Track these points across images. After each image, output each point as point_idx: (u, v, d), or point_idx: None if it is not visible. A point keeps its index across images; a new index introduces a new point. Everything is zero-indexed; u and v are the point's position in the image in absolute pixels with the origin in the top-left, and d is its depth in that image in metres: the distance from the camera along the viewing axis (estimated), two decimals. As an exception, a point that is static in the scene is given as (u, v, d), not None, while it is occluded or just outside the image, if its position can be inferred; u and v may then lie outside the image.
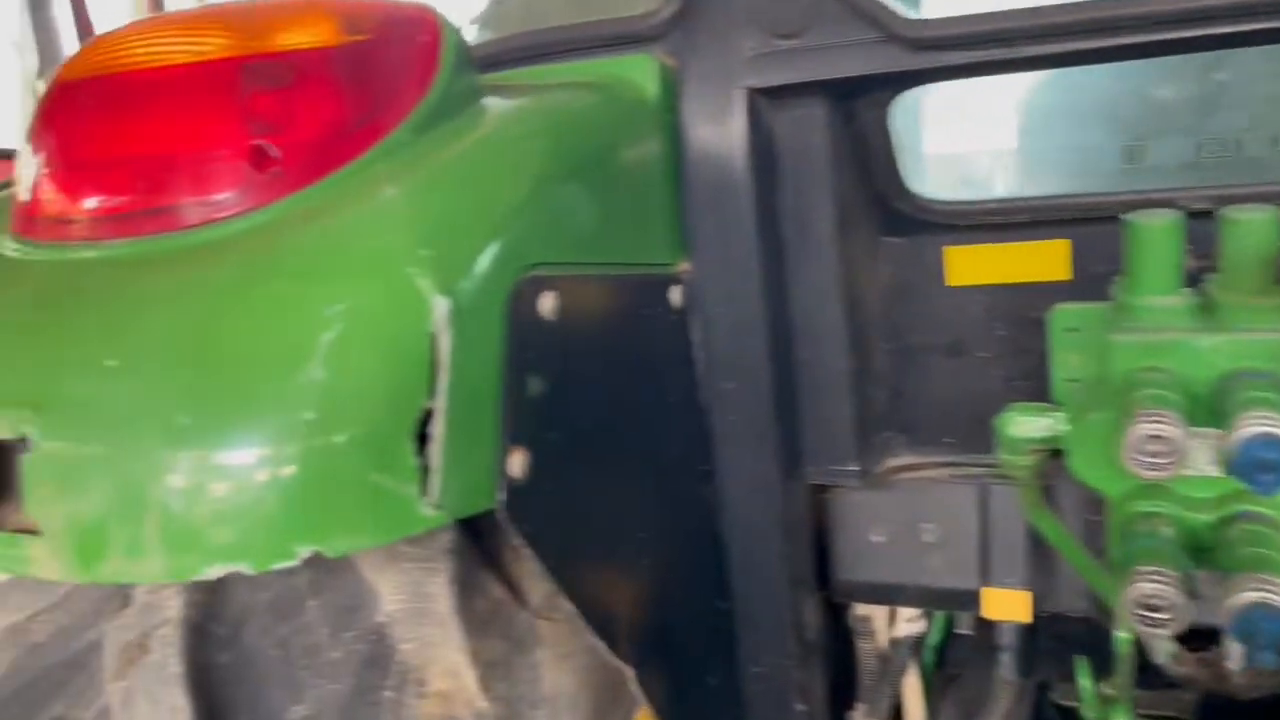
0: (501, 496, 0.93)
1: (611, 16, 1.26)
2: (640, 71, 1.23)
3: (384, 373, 0.84)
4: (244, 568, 0.80)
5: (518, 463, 0.95)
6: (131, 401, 0.81)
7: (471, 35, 1.53)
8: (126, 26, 1.08)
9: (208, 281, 0.86)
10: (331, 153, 0.94)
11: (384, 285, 0.85)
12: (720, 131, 1.24)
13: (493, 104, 1.11)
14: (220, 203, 0.91)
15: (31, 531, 0.86)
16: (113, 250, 0.94)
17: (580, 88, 1.21)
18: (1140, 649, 1.15)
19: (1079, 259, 1.35)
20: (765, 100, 1.26)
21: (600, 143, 1.16)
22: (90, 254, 0.95)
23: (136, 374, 0.82)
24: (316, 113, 0.95)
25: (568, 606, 1.24)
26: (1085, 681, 1.19)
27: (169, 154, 0.94)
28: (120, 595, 1.14)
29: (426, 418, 0.86)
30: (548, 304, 1.00)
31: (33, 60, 3.94)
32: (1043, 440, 1.19)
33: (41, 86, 3.88)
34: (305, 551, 0.81)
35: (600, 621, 1.08)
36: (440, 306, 0.87)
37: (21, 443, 0.84)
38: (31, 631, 1.19)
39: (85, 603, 1.18)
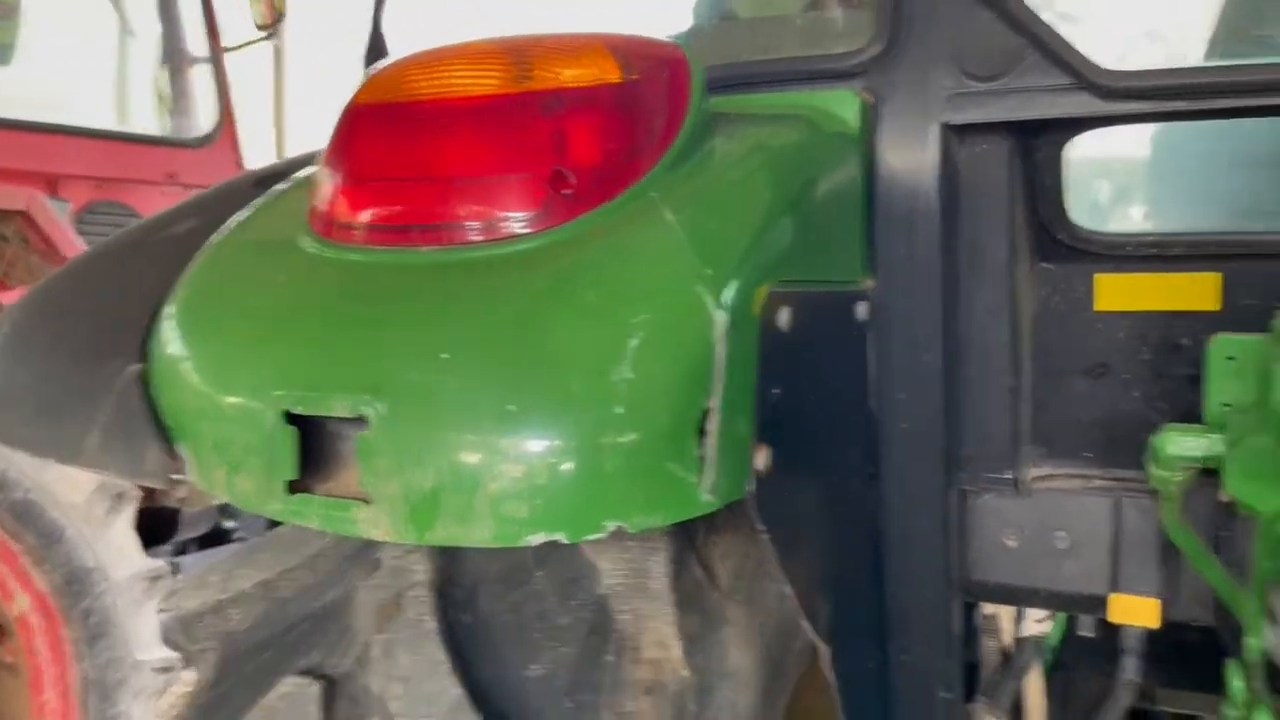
0: (750, 488, 1.05)
1: (816, 53, 1.38)
2: (842, 105, 1.35)
3: (678, 375, 0.97)
4: (561, 537, 0.93)
5: (763, 458, 1.07)
6: (465, 390, 0.94)
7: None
8: (402, 60, 1.19)
9: (522, 287, 0.99)
10: (613, 179, 1.08)
11: (679, 300, 0.99)
12: (913, 162, 1.35)
13: (726, 140, 1.24)
14: (521, 219, 1.05)
15: (358, 499, 0.99)
16: (418, 257, 1.07)
17: (792, 120, 1.33)
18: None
19: (1230, 292, 1.45)
20: (954, 135, 1.37)
21: (813, 172, 1.28)
22: (394, 258, 1.09)
23: (468, 366, 0.95)
24: (603, 143, 1.08)
25: (747, 588, 1.37)
26: (1238, 683, 1.30)
27: (473, 174, 1.07)
28: (368, 559, 1.28)
29: (705, 416, 0.99)
30: (784, 318, 1.12)
31: (150, 47, 4.10)
32: (1199, 459, 1.30)
33: (165, 78, 4.04)
34: (612, 526, 0.94)
35: (809, 604, 1.20)
36: (720, 319, 1.00)
37: (357, 422, 0.98)
38: (279, 587, 1.33)
39: (329, 563, 1.32)
